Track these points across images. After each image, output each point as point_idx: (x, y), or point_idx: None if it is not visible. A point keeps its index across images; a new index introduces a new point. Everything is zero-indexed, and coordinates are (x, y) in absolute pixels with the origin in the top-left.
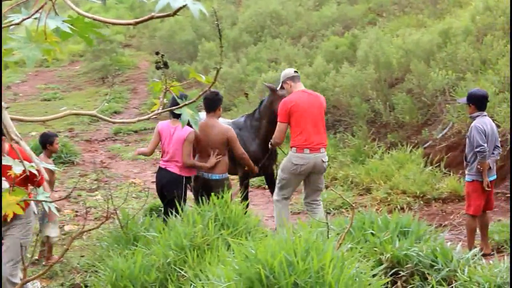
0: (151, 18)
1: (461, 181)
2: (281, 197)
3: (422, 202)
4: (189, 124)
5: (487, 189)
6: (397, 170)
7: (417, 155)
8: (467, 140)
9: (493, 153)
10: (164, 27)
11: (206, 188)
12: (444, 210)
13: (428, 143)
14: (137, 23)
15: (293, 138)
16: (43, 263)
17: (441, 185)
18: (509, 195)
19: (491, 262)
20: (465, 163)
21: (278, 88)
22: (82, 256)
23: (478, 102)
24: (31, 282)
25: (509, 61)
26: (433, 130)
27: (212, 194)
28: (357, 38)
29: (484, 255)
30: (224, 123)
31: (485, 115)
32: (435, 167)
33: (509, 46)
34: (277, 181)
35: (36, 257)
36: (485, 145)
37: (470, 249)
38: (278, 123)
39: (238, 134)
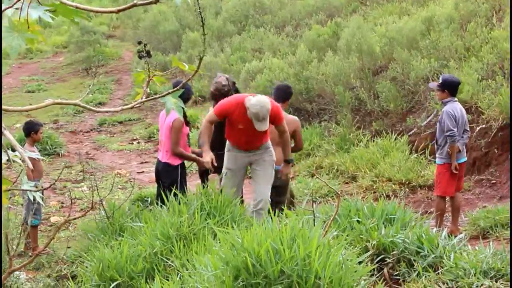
0: (134, 5)
1: None
2: None
3: (407, 189)
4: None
5: (454, 171)
6: (382, 158)
7: (402, 142)
8: (437, 124)
9: (462, 137)
10: (147, 18)
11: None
12: (429, 197)
13: (412, 131)
14: (119, 10)
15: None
16: (30, 254)
17: (426, 172)
18: (494, 181)
19: (476, 248)
20: (435, 146)
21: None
22: (69, 247)
23: (453, 88)
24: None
25: (509, 54)
26: (418, 117)
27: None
28: (340, 26)
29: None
30: None
31: (456, 101)
32: (420, 154)
33: (492, 33)
34: (270, 182)
35: (22, 249)
36: (455, 129)
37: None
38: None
39: None
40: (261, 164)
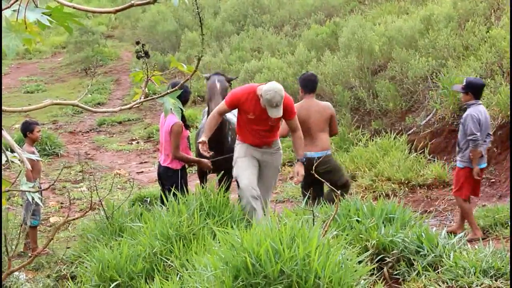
0: (131, 6)
1: (445, 167)
2: None
3: (407, 188)
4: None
5: (476, 177)
6: (382, 157)
7: (401, 142)
8: (460, 126)
9: (484, 141)
10: (146, 18)
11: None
12: (429, 196)
13: (412, 130)
14: (117, 11)
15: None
16: (29, 254)
17: (425, 172)
18: (493, 180)
19: (476, 247)
20: (457, 149)
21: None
22: (68, 248)
23: (477, 91)
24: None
25: (508, 53)
26: (417, 117)
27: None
28: (339, 26)
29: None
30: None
31: (480, 104)
32: (420, 153)
33: (491, 32)
34: (273, 187)
35: (21, 249)
36: (479, 134)
37: (476, 230)
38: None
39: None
40: (270, 169)
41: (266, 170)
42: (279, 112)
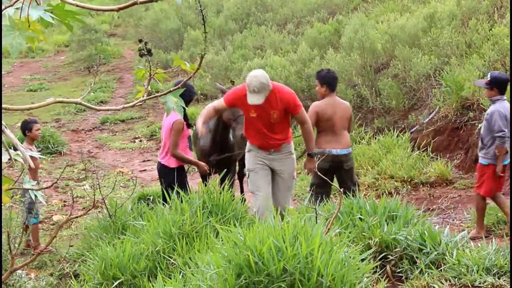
0: (134, 4)
1: (448, 165)
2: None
3: (409, 186)
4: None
5: (500, 174)
6: (385, 155)
7: (404, 139)
8: (484, 122)
9: (508, 137)
10: (149, 16)
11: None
12: (431, 194)
13: (415, 128)
14: (120, 9)
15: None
16: (32, 252)
17: (428, 170)
18: None
19: (479, 245)
20: (480, 145)
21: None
22: (71, 246)
23: (502, 86)
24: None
25: (509, 51)
26: (420, 114)
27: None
28: (342, 24)
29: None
30: None
31: (505, 99)
32: (422, 151)
33: (494, 30)
34: (289, 193)
35: (23, 246)
36: (506, 130)
37: (481, 230)
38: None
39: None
40: (285, 177)
41: (280, 179)
42: (256, 99)
